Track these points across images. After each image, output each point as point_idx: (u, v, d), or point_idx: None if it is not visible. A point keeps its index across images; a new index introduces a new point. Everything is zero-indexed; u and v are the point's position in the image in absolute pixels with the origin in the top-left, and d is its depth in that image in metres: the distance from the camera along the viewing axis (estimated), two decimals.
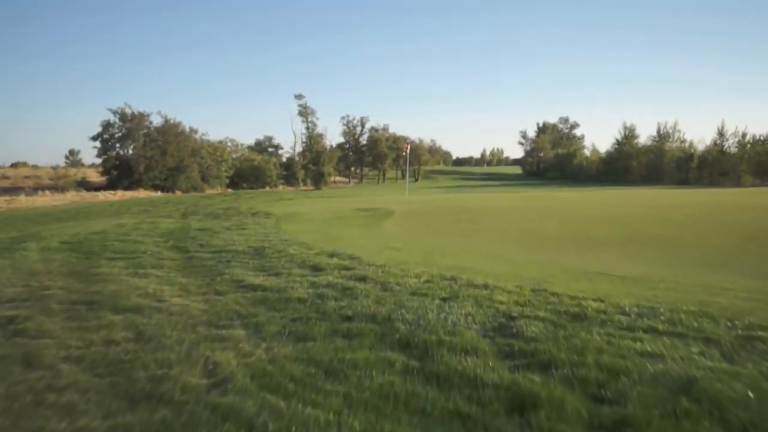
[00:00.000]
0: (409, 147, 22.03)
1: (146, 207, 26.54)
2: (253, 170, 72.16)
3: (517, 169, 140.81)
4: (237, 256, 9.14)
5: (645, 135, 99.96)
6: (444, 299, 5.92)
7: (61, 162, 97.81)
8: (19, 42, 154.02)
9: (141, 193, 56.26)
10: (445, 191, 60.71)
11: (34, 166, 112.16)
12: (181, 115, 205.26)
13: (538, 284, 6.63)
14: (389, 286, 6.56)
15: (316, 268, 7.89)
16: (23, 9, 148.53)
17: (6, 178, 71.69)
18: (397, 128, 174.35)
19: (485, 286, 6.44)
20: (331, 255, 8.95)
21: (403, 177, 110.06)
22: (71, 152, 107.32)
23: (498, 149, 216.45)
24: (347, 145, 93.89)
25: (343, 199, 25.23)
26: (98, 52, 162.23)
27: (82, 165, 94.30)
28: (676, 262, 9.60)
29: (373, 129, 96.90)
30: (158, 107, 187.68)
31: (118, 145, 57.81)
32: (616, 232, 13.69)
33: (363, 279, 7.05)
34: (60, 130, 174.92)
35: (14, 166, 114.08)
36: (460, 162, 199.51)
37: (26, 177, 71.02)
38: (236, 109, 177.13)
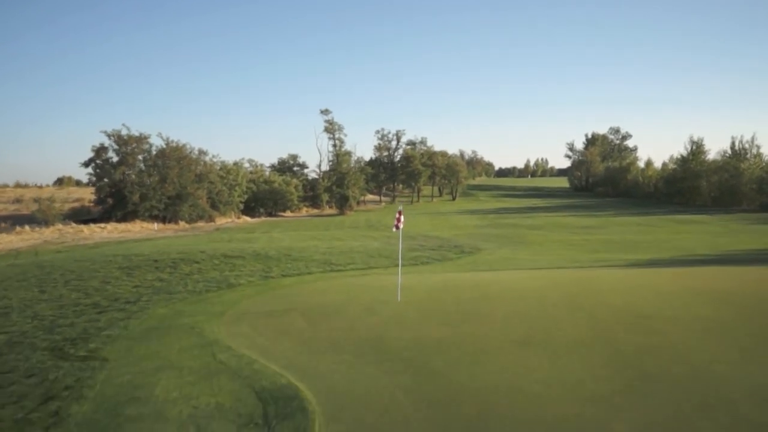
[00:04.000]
0: (402, 217, 10.78)
1: (48, 279, 16.95)
2: (271, 194, 62.86)
3: (564, 182, 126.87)
4: None
5: (714, 150, 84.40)
6: None
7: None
8: (57, 48, 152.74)
9: (136, 226, 47.63)
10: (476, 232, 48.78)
11: (78, 182, 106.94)
12: (202, 136, 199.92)
13: None
14: None
15: None
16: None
17: (17, 201, 64.82)
18: (436, 141, 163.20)
19: None
20: None
21: (439, 194, 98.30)
22: None
23: (542, 159, 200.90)
24: (379, 162, 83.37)
25: (306, 290, 14.79)
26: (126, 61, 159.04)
27: None
28: None
29: (410, 142, 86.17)
30: (182, 128, 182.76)
31: (113, 171, 49.24)
32: None
33: None
34: None
35: (58, 182, 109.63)
36: (502, 173, 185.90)
37: (36, 200, 63.81)
38: (260, 127, 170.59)
